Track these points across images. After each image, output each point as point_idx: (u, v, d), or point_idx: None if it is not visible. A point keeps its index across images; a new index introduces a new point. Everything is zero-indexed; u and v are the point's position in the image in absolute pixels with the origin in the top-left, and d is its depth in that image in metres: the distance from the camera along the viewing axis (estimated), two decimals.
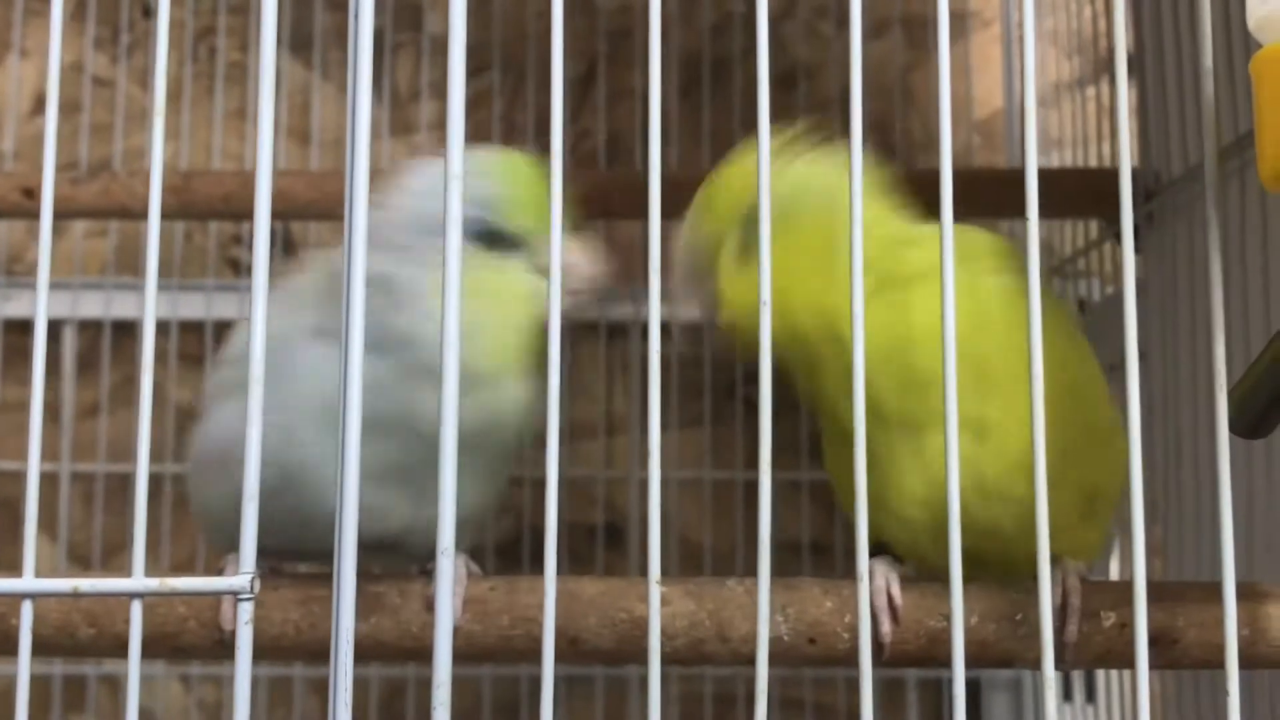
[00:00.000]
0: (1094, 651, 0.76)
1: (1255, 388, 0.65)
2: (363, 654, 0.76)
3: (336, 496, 0.54)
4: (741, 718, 1.58)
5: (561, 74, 0.59)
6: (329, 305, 0.76)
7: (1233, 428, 0.63)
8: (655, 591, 0.56)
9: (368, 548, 0.69)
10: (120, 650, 0.76)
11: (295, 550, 0.84)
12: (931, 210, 0.63)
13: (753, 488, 1.63)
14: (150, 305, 0.55)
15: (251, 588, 0.54)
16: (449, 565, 0.55)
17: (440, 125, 1.69)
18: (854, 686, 1.47)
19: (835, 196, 0.75)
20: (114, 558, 1.59)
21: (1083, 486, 0.80)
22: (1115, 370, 1.18)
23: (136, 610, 0.54)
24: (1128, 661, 0.76)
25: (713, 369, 1.60)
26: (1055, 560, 0.76)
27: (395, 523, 0.80)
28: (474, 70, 1.67)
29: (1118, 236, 1.40)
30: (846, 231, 0.59)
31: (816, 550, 1.57)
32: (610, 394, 1.63)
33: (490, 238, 0.79)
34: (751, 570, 1.60)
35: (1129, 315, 0.60)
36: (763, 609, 0.56)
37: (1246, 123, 1.04)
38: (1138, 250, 1.40)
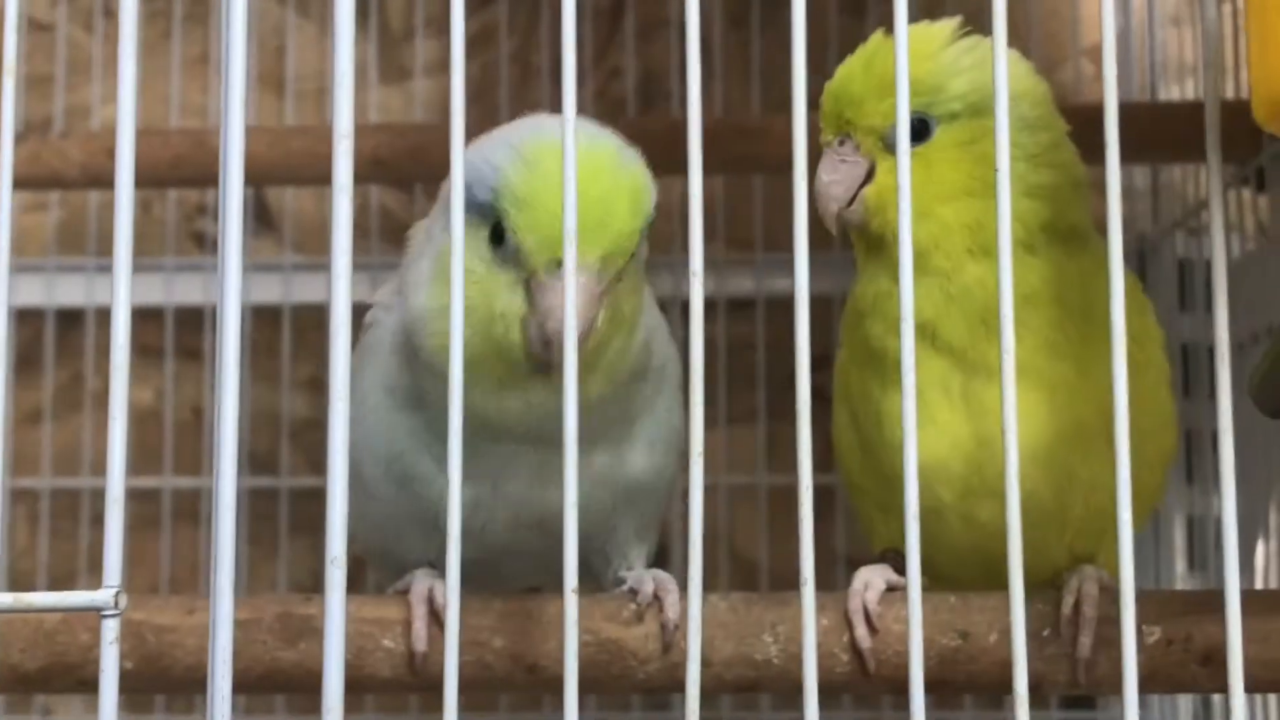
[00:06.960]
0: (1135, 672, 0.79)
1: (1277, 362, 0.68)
2: (292, 685, 0.82)
3: None
4: None
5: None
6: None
7: (1260, 406, 0.66)
8: (572, 601, 0.61)
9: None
10: (18, 683, 0.81)
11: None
12: None
13: (821, 494, 1.62)
14: (2, 290, 0.60)
15: (116, 604, 0.58)
16: (340, 576, 0.60)
17: (440, 69, 1.69)
18: (900, 705, 1.47)
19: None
20: (63, 586, 1.62)
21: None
22: (1257, 341, 1.18)
23: None
24: (1180, 684, 0.80)
25: (768, 353, 1.60)
26: (1074, 566, 0.80)
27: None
28: (479, 1, 1.68)
29: (1244, 181, 1.41)
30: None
31: (852, 565, 1.55)
32: None
33: (495, 230, 0.83)
34: (822, 591, 1.61)
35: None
36: (693, 618, 0.60)
37: None
38: (1265, 193, 1.39)
